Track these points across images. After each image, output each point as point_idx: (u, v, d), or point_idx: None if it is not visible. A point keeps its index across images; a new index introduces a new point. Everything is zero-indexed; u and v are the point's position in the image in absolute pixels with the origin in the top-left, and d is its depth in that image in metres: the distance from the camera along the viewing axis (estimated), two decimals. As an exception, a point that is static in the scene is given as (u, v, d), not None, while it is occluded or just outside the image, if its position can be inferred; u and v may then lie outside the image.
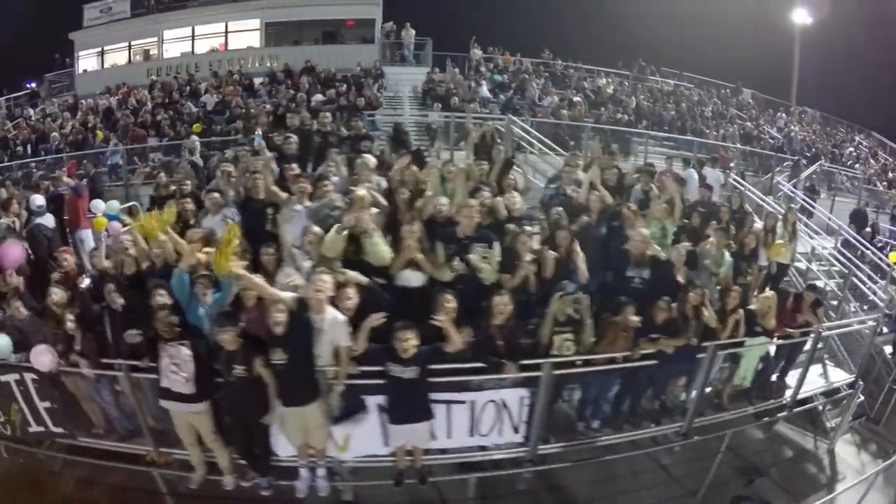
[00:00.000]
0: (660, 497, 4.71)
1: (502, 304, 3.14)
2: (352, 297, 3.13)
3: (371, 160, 4.28)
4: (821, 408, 6.04)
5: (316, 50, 13.53)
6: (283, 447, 3.50)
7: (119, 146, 10.18)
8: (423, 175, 4.07)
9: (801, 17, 17.41)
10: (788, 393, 5.19)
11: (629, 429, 4.16)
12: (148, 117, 11.34)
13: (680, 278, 4.18)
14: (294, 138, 5.16)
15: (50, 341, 3.82)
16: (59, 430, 4.14)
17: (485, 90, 11.06)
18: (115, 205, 6.79)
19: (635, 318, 3.53)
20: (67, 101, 14.52)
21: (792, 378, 5.21)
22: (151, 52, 15.64)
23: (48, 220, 5.71)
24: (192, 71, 13.83)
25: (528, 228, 3.62)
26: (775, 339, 4.74)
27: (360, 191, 3.65)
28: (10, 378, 4.00)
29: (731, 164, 10.32)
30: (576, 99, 11.30)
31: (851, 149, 13.88)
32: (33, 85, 19.29)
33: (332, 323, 3.06)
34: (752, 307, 4.56)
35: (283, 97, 10.58)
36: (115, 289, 3.73)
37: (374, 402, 3.26)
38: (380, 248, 3.32)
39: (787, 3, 18.09)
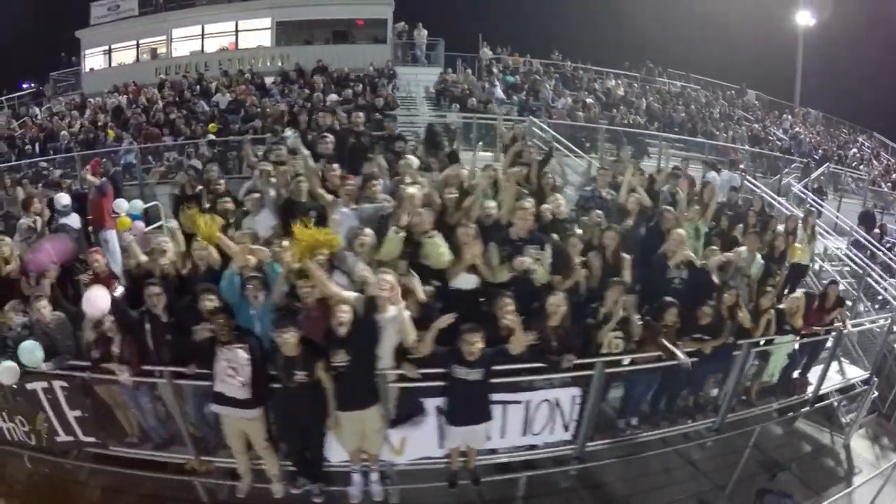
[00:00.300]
0: (690, 492, 4.89)
1: (557, 305, 3.26)
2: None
3: (414, 161, 4.34)
4: (835, 404, 6.26)
5: (327, 50, 13.56)
6: (335, 452, 3.48)
7: (133, 145, 10.14)
8: (469, 178, 4.18)
9: (805, 18, 17.67)
10: (810, 389, 5.39)
11: (666, 425, 4.33)
12: (161, 116, 11.36)
13: (715, 279, 4.36)
14: (330, 138, 5.16)
15: (84, 347, 3.78)
16: (90, 439, 4.03)
17: (499, 91, 11.19)
18: (138, 204, 6.71)
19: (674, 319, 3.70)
20: (74, 100, 14.44)
21: (812, 375, 5.42)
22: (159, 51, 15.61)
23: (73, 220, 5.54)
24: (202, 70, 13.79)
25: (578, 232, 3.75)
26: (799, 338, 4.95)
27: (411, 189, 3.73)
28: (38, 386, 3.91)
29: (742, 166, 10.54)
30: (589, 101, 11.47)
31: (855, 150, 14.15)
32: (31, 85, 19.32)
33: (396, 320, 3.10)
34: (781, 306, 4.75)
35: (297, 97, 10.61)
36: (158, 292, 3.61)
37: (431, 404, 3.31)
38: (441, 249, 3.37)
39: (790, 5, 18.39)
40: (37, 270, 4.24)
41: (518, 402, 3.36)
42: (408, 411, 3.30)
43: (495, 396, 3.27)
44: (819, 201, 9.34)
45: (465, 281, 3.36)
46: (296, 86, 11.83)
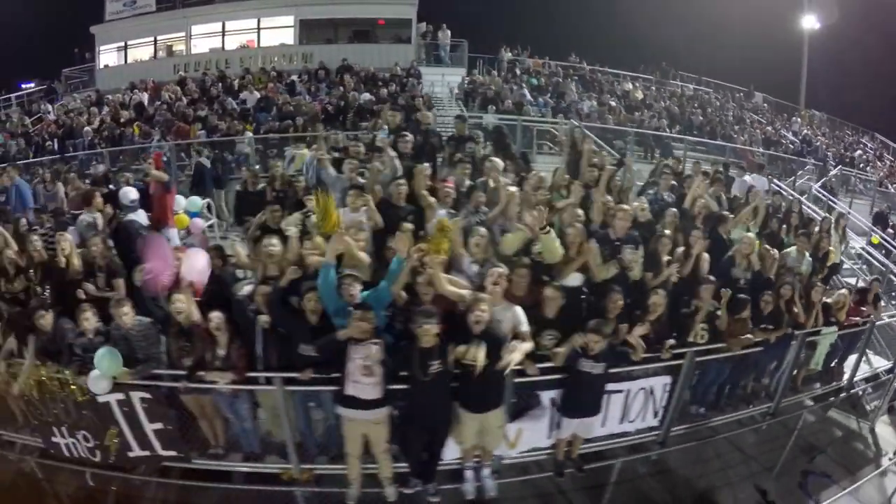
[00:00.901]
0: (744, 474, 5.34)
1: (659, 302, 3.68)
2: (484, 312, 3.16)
3: (499, 163, 4.57)
4: (861, 392, 6.83)
5: (350, 49, 13.79)
6: (449, 449, 3.51)
7: (164, 142, 10.18)
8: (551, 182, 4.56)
9: (810, 22, 18.38)
10: (845, 377, 5.93)
11: (730, 410, 4.80)
12: (190, 112, 11.37)
13: (772, 276, 4.84)
14: (409, 137, 5.23)
15: (175, 354, 3.63)
16: (170, 452, 3.86)
17: (527, 94, 11.58)
18: (197, 201, 6.61)
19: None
20: (90, 97, 14.41)
21: (846, 364, 5.96)
22: (175, 48, 15.64)
23: (141, 217, 5.25)
24: (223, 67, 13.94)
25: (667, 232, 4.16)
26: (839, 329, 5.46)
27: (513, 188, 4.00)
28: (112, 398, 3.73)
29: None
30: (612, 104, 11.92)
31: (860, 151, 14.87)
32: (31, 84, 19.11)
33: (509, 312, 3.34)
34: (827, 300, 5.25)
35: (330, 96, 10.83)
36: (268, 292, 3.52)
37: (546, 396, 3.55)
38: (557, 244, 3.63)
39: (794, 9, 19.07)
40: (153, 281, 4.07)
41: (620, 392, 3.70)
42: (525, 405, 3.52)
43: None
44: (834, 201, 9.95)
45: (573, 278, 3.73)
46: (323, 84, 12.09)
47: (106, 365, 3.51)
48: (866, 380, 6.68)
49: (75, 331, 3.80)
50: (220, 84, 12.87)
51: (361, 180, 4.61)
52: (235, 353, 3.47)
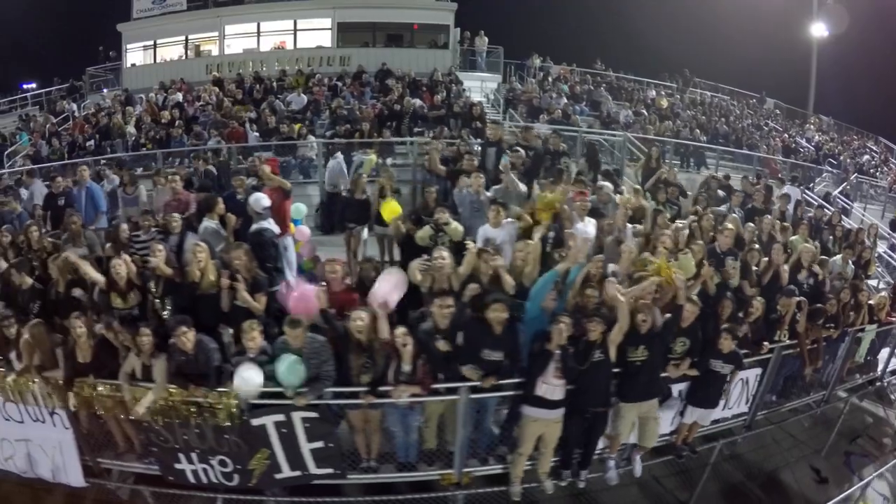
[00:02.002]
0: (797, 455, 6.27)
1: (758, 307, 4.53)
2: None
3: (609, 186, 5.38)
4: (885, 382, 7.91)
5: (386, 53, 14.35)
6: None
7: (223, 144, 10.21)
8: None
9: (819, 30, 19.55)
10: (879, 369, 6.97)
11: (794, 398, 5.74)
12: (241, 114, 11.35)
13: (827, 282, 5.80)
14: (522, 153, 5.72)
15: (355, 370, 3.69)
16: (325, 471, 3.93)
17: (566, 102, 12.38)
18: (301, 208, 6.29)
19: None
20: (120, 96, 14.59)
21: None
22: (202, 48, 15.86)
23: (273, 225, 5.12)
24: (258, 68, 14.33)
25: (756, 246, 5.05)
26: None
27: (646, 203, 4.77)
28: (269, 421, 3.76)
29: (780, 176, 12.13)
30: (643, 112, 12.81)
31: (868, 156, 16.06)
32: (32, 85, 19.08)
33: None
34: (871, 302, 6.24)
35: (384, 100, 11.18)
36: (451, 304, 3.71)
37: (676, 389, 4.25)
38: (692, 263, 4.36)
39: (802, 16, 20.23)
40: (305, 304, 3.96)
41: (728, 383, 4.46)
42: (663, 397, 4.17)
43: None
44: (860, 210, 11.03)
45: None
46: (368, 88, 12.64)
47: (287, 374, 3.57)
48: (892, 372, 7.80)
49: (215, 349, 3.77)
50: (258, 85, 13.25)
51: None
52: (421, 369, 3.66)
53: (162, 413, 3.83)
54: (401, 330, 3.65)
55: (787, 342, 4.85)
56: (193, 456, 3.96)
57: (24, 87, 18.87)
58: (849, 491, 5.31)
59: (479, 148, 6.77)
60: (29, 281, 4.68)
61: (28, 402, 4.19)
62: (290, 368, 3.58)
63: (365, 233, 6.02)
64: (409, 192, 7.06)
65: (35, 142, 12.93)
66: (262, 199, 5.09)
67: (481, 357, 3.72)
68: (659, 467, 5.00)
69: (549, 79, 14.22)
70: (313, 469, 3.94)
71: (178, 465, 4.03)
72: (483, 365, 3.72)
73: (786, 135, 15.11)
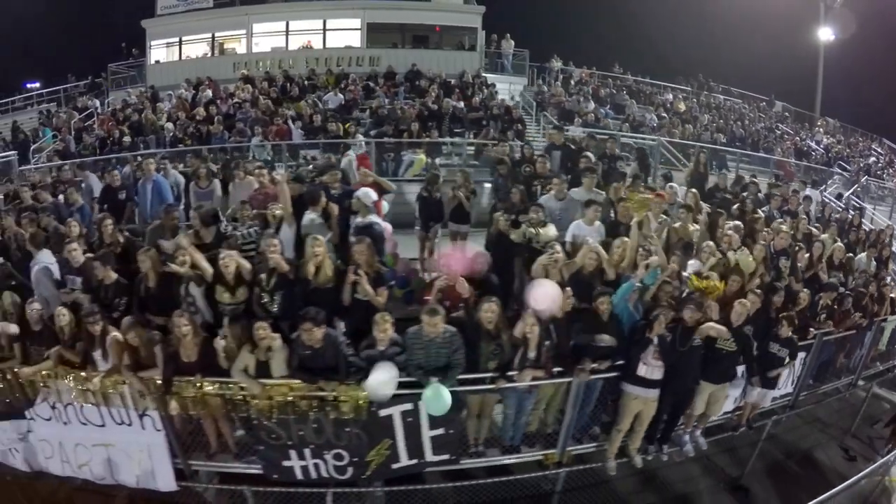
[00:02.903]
0: (832, 435, 7.08)
1: (805, 298, 5.28)
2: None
3: (676, 187, 6.11)
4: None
5: (416, 54, 14.86)
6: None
7: (266, 142, 10.51)
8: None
9: (826, 34, 20.52)
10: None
11: (827, 382, 6.55)
12: (285, 112, 11.48)
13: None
14: (593, 157, 6.37)
15: (484, 357, 3.97)
16: (440, 457, 4.12)
17: (593, 106, 13.12)
18: (371, 194, 5.86)
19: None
20: (146, 92, 14.86)
21: None
22: (226, 45, 16.23)
23: (379, 219, 5.41)
24: (286, 67, 14.74)
25: (801, 245, 5.84)
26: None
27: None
28: (396, 411, 3.90)
29: (795, 179, 12.99)
30: (666, 116, 13.60)
31: (874, 158, 17.04)
32: (36, 84, 19.23)
33: None
34: (893, 294, 7.09)
35: (422, 101, 11.70)
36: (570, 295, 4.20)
37: (740, 370, 4.84)
38: (751, 260, 5.07)
39: (810, 20, 21.18)
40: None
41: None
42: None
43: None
44: (859, 207, 11.91)
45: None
46: (402, 88, 13.18)
47: (439, 405, 3.74)
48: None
49: (343, 343, 3.87)
50: (289, 84, 13.60)
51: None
52: (545, 354, 4.08)
53: (279, 409, 3.87)
54: (530, 319, 4.00)
55: (828, 329, 5.63)
56: (306, 452, 3.99)
57: (28, 86, 19.10)
58: (875, 465, 6.06)
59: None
60: (113, 275, 4.58)
61: (113, 404, 4.13)
62: (434, 398, 3.74)
63: (439, 230, 6.57)
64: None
65: (63, 137, 13.25)
66: (370, 194, 5.35)
67: (593, 343, 4.26)
68: (710, 446, 5.63)
69: (571, 81, 14.93)
70: (430, 456, 4.11)
71: (286, 463, 4.05)
72: (595, 350, 4.24)
73: (797, 137, 15.99)
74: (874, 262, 7.26)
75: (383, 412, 3.92)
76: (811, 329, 5.40)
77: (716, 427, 5.48)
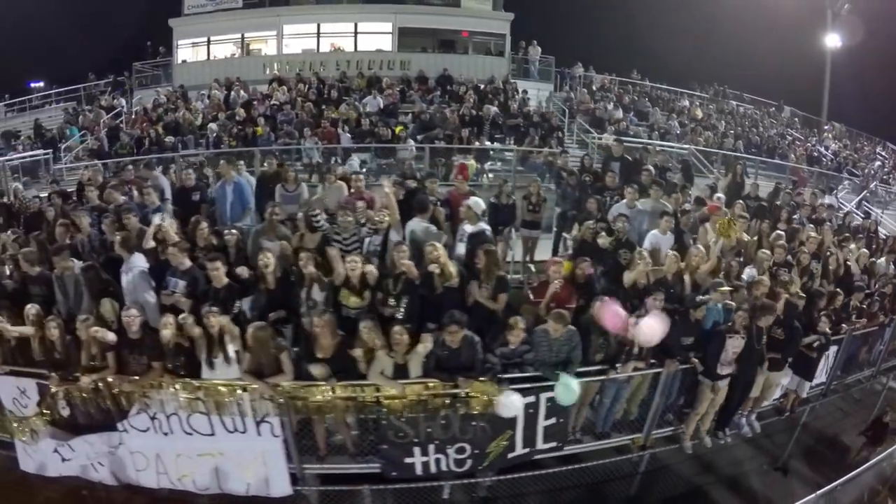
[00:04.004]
0: (850, 424, 7.95)
1: (839, 299, 6.34)
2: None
3: (723, 198, 7.08)
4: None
5: (445, 58, 15.60)
6: None
7: (319, 144, 10.96)
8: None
9: (833, 41, 21.69)
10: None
11: (852, 374, 7.58)
12: (330, 114, 12.04)
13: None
14: (652, 169, 7.19)
15: (592, 351, 4.61)
16: (549, 444, 4.66)
17: (622, 113, 14.10)
18: (480, 203, 6.29)
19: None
20: (176, 92, 15.22)
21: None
22: (252, 47, 16.64)
23: (487, 227, 5.80)
24: (317, 69, 15.28)
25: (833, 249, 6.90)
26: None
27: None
28: (522, 403, 4.33)
29: (809, 185, 14.09)
30: (686, 123, 14.62)
31: (879, 162, 18.25)
32: (40, 84, 19.43)
33: None
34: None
35: (460, 106, 12.43)
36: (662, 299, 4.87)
37: None
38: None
39: (817, 26, 22.32)
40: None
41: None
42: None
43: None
44: (869, 212, 13.10)
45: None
46: (437, 93, 13.89)
47: (570, 395, 4.34)
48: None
49: (479, 343, 4.31)
50: (322, 86, 14.00)
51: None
52: (646, 349, 4.83)
53: (410, 408, 4.22)
54: (631, 320, 4.71)
55: (857, 325, 6.68)
56: (430, 447, 4.33)
57: (32, 85, 19.29)
58: (890, 450, 7.01)
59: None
60: (225, 279, 4.69)
61: (227, 412, 4.22)
62: (566, 390, 4.34)
63: (513, 234, 7.29)
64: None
65: (98, 136, 13.64)
66: (481, 203, 5.91)
67: (681, 342, 5.13)
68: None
69: (594, 87, 15.88)
70: (540, 444, 4.58)
71: (408, 460, 4.37)
72: (682, 347, 5.13)
73: (808, 144, 17.13)
74: (893, 266, 8.36)
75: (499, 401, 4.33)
76: (843, 325, 6.42)
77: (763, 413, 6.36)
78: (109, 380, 4.39)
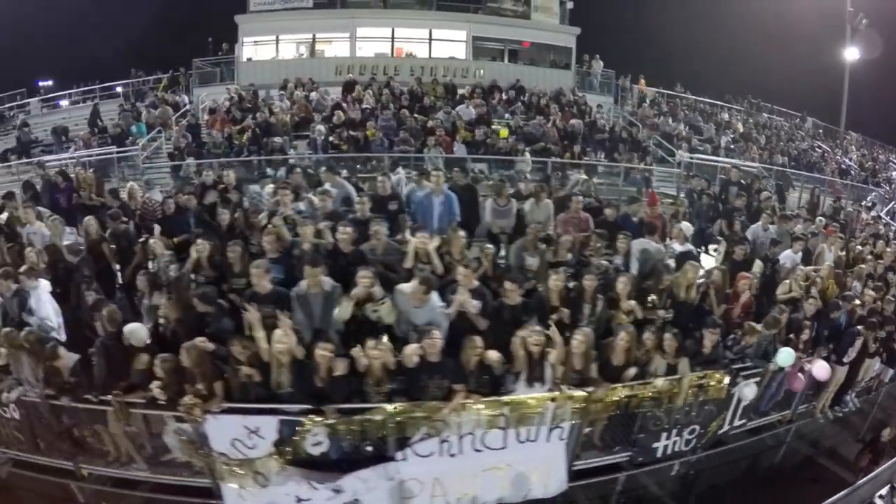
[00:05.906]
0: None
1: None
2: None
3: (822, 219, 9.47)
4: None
5: (515, 69, 17.25)
6: None
7: (441, 153, 11.62)
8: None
9: (853, 54, 24.44)
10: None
11: None
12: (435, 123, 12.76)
13: None
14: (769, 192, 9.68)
15: None
16: (740, 421, 5.94)
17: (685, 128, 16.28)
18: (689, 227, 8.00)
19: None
20: (247, 92, 15.84)
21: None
22: (317, 48, 17.54)
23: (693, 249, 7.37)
24: (391, 74, 16.49)
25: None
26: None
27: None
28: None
29: (842, 197, 16.67)
30: (734, 138, 16.92)
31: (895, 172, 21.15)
32: (49, 83, 19.95)
33: None
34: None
35: (543, 120, 14.15)
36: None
37: None
38: None
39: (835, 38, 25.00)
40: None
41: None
42: None
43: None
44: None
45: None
46: (519, 104, 15.37)
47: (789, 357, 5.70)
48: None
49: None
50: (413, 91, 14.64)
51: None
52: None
53: (683, 398, 5.15)
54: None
55: None
56: (674, 432, 5.23)
57: (40, 84, 20.03)
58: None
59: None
60: (518, 298, 5.27)
61: (528, 423, 4.52)
62: (787, 354, 5.78)
63: None
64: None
65: (183, 133, 14.02)
66: (690, 227, 7.98)
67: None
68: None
69: (647, 101, 18.00)
70: (735, 422, 5.83)
71: (655, 444, 5.29)
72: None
73: (837, 156, 19.86)
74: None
75: (735, 390, 5.52)
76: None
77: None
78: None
